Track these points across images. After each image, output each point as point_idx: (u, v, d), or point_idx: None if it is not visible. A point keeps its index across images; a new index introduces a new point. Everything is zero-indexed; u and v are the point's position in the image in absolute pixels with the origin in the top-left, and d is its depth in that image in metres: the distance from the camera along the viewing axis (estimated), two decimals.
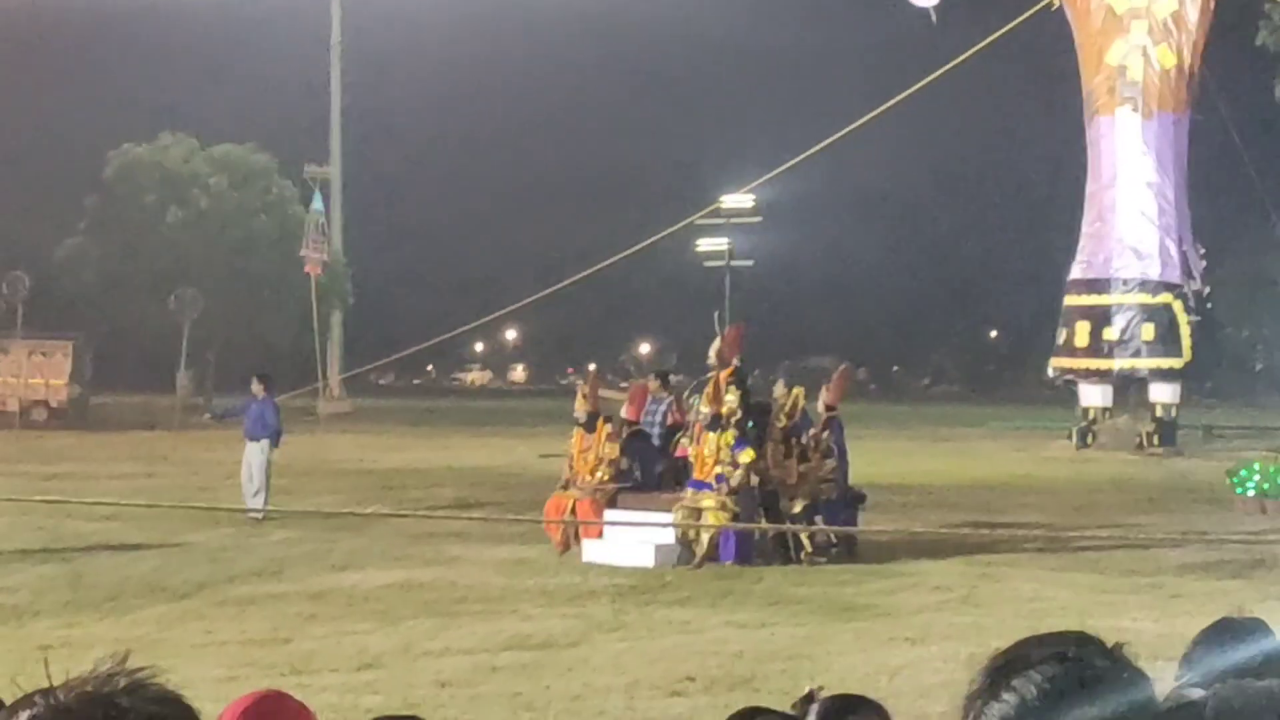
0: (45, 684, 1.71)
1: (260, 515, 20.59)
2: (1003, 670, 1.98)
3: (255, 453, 21.45)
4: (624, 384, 19.55)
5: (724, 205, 48.25)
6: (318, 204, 50.31)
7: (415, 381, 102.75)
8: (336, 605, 13.97)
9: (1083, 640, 2.04)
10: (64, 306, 53.94)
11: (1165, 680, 4.69)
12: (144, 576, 15.66)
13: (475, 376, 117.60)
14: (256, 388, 22.24)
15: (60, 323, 52.84)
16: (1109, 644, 2.00)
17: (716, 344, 17.44)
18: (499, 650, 11.65)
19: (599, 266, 43.67)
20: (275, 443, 21.74)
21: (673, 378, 21.45)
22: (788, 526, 16.70)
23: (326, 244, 51.36)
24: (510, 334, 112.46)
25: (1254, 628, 4.32)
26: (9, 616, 13.33)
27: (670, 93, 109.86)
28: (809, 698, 3.02)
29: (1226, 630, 4.32)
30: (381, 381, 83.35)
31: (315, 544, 18.18)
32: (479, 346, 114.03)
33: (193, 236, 55.82)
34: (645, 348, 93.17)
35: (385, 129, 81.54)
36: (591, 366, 20.28)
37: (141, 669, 1.74)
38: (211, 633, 12.21)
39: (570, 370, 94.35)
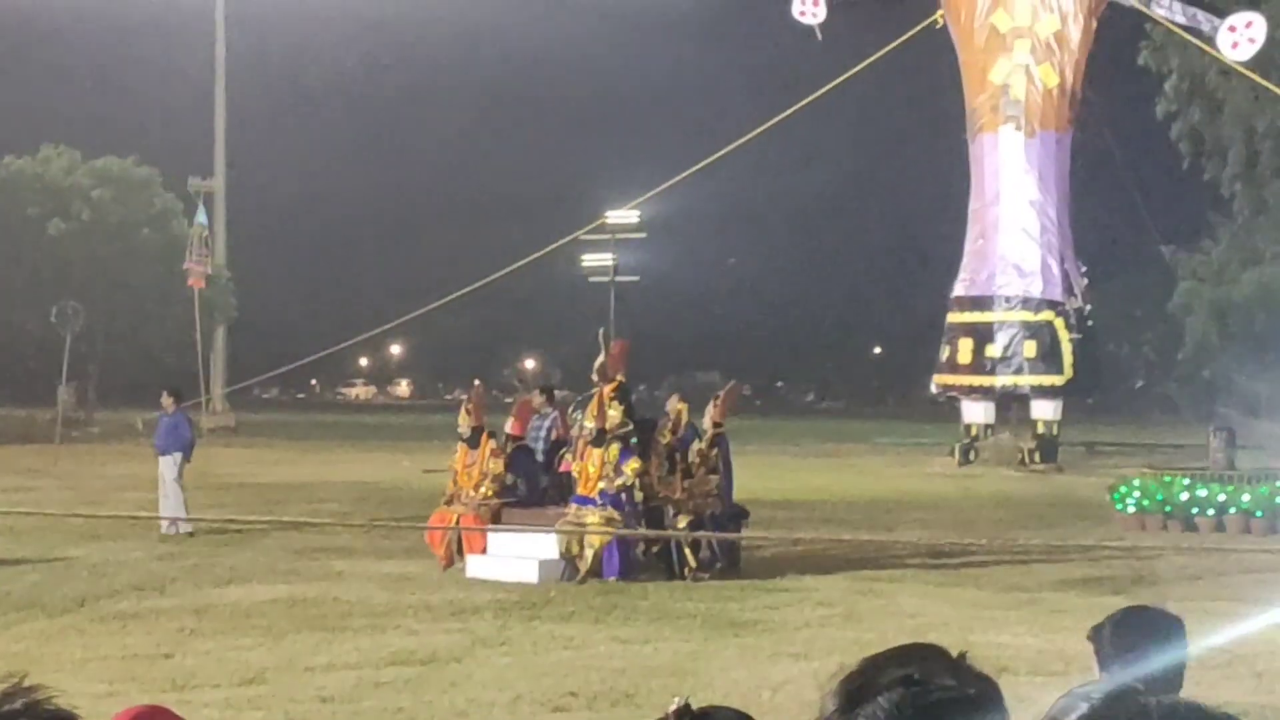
0: None
1: (190, 529, 20.05)
2: (851, 696, 1.96)
3: (168, 466, 20.94)
4: (509, 399, 19.38)
5: (609, 221, 48.20)
6: (201, 217, 49.53)
7: (299, 396, 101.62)
8: (220, 620, 13.76)
9: (927, 655, 2.00)
10: None
11: (1046, 696, 4.82)
12: (24, 592, 15.36)
13: (359, 391, 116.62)
14: (166, 401, 21.68)
15: None
16: (954, 655, 1.96)
17: (601, 359, 17.34)
18: (382, 665, 11.53)
19: (484, 281, 43.34)
20: (188, 456, 21.17)
21: (557, 393, 21.36)
22: (670, 533, 16.56)
23: (210, 257, 50.65)
24: (395, 349, 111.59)
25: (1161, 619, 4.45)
26: None
27: (558, 111, 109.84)
28: (681, 712, 2.92)
29: (1136, 619, 4.48)
30: (265, 396, 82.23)
31: (199, 558, 17.90)
32: (363, 361, 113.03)
33: (75, 248, 54.63)
34: (530, 363, 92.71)
35: (270, 143, 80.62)
36: (476, 382, 19.95)
37: (37, 688, 1.72)
38: (92, 648, 11.95)
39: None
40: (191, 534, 20.03)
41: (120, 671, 10.98)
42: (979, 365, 33.05)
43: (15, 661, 10.69)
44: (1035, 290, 30.20)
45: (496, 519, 17.25)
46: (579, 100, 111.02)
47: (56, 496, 26.41)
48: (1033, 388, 32.57)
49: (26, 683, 1.74)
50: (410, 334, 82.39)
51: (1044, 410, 33.51)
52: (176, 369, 50.43)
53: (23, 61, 74.33)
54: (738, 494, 18.28)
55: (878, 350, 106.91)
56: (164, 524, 20.26)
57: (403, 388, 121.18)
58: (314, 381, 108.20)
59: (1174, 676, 4.29)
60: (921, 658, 2.00)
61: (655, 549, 16.87)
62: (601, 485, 16.59)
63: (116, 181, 56.89)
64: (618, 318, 48.43)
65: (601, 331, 18.96)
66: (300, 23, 66.10)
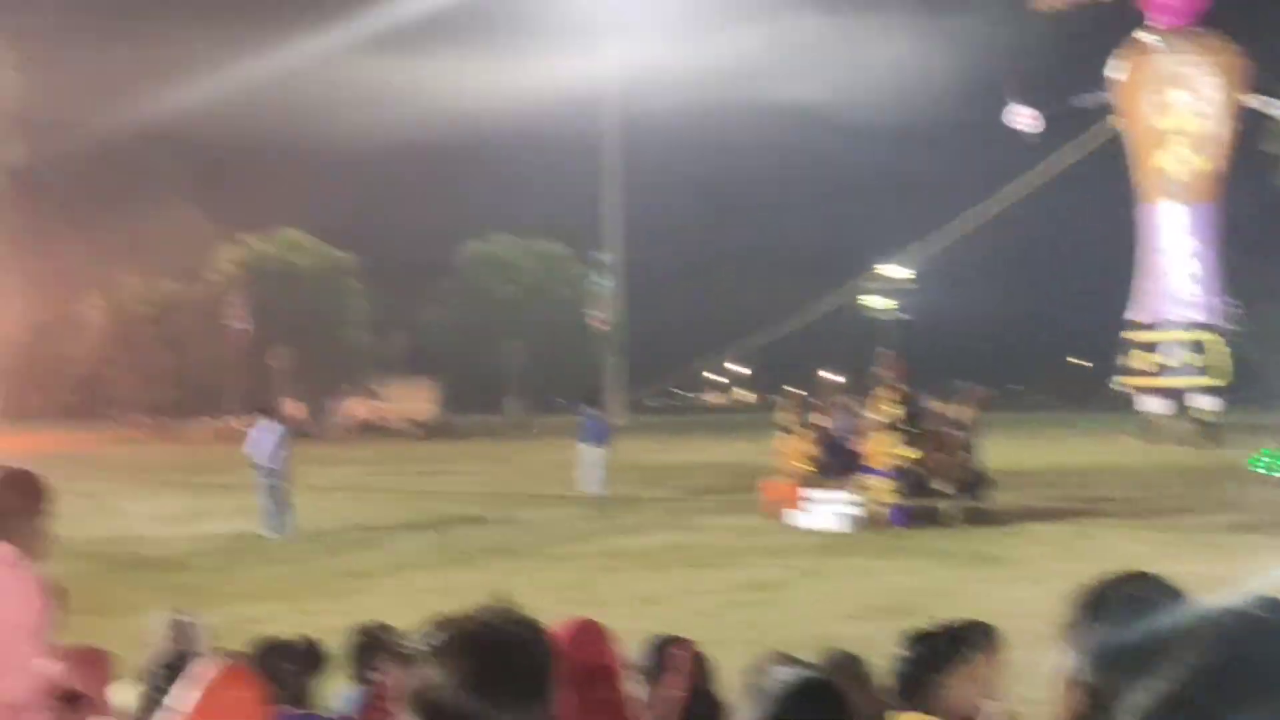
0: (440, 618, 1.81)
1: (605, 494, 20.26)
2: (1088, 604, 2.01)
3: (591, 453, 21.11)
4: (817, 400, 19.98)
5: (883, 273, 49.06)
6: (601, 278, 52.41)
7: (670, 401, 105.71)
8: (625, 560, 14.39)
9: (1139, 577, 2.09)
10: (432, 355, 57.34)
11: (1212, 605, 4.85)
12: (491, 541, 16.24)
13: (714, 398, 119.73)
14: (590, 409, 21.82)
15: (429, 366, 56.11)
16: (1161, 578, 2.05)
17: (883, 370, 17.76)
18: (735, 590, 12.01)
19: (806, 319, 44.27)
20: (606, 444, 21.12)
21: (849, 395, 21.73)
22: (937, 500, 16.90)
23: (607, 306, 53.41)
24: (737, 366, 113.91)
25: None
26: (397, 570, 13.81)
27: (853, 189, 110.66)
28: (933, 626, 3.32)
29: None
30: (647, 402, 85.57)
31: (609, 518, 18.57)
32: (716, 375, 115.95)
33: (516, 305, 58.72)
34: (830, 374, 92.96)
35: (646, 221, 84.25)
36: (798, 390, 20.63)
37: (512, 603, 1.83)
38: (539, 580, 12.53)
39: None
40: (606, 498, 20.34)
41: (559, 596, 11.56)
42: (1154, 370, 32.57)
43: (493, 588, 11.38)
44: (1196, 316, 29.75)
45: (812, 485, 17.58)
46: (865, 181, 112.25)
47: (509, 475, 27.73)
48: (1197, 388, 31.95)
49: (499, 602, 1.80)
50: (748, 353, 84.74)
51: (1207, 403, 32.76)
52: (588, 384, 53.35)
53: (472, 172, 79.49)
54: (984, 466, 18.15)
55: (1079, 360, 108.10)
56: (591, 488, 20.44)
57: (745, 394, 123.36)
58: (678, 390, 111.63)
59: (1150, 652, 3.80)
60: (1139, 577, 2.10)
61: (924, 507, 17.06)
62: (886, 461, 16.92)
63: (543, 256, 60.69)
64: (893, 343, 48.93)
65: (883, 352, 19.39)
66: (663, 134, 68.63)
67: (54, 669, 3.90)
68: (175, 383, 52.82)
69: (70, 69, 48.35)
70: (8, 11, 46.85)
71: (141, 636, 5.06)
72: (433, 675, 1.72)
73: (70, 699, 4.08)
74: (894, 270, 47.43)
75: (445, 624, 1.77)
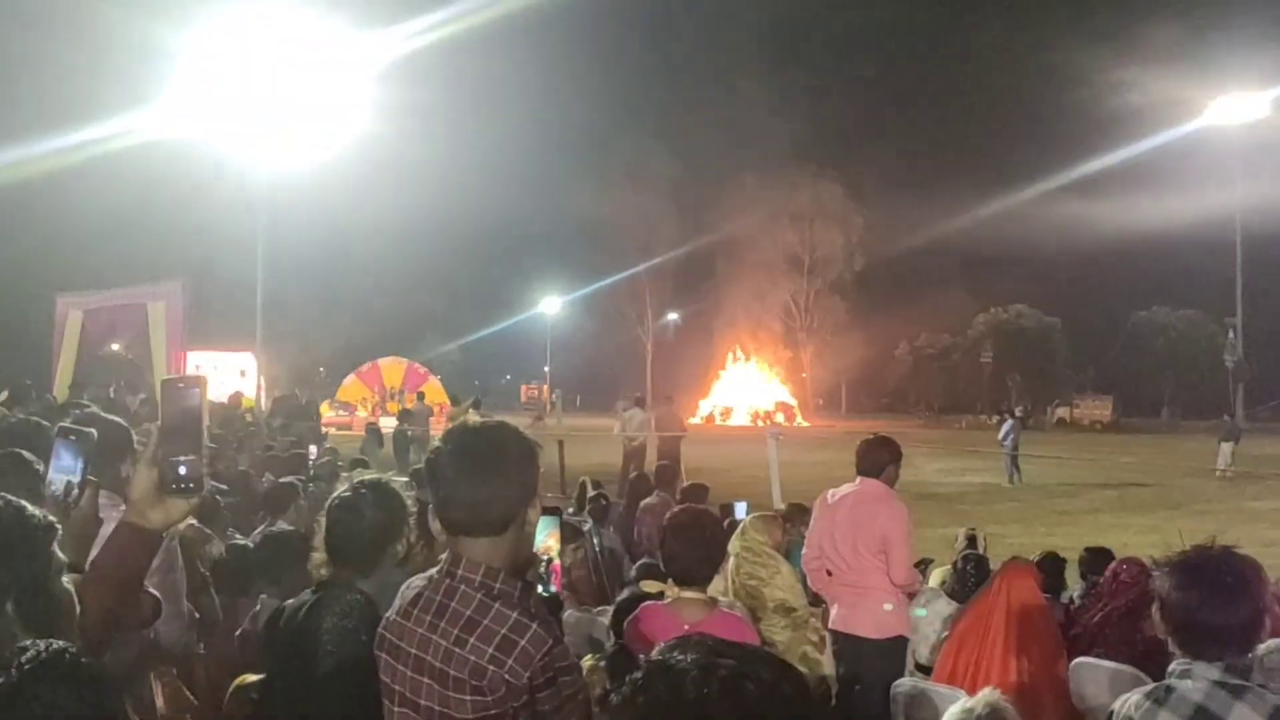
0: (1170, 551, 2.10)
1: (1234, 473, 19.93)
2: None
3: (1226, 445, 21.59)
4: None
5: None
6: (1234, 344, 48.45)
7: None
8: (1251, 516, 14.03)
9: None
10: (1109, 380, 63.55)
11: None
12: (1154, 498, 16.54)
13: None
14: (1228, 417, 22.11)
15: (1107, 387, 62.07)
16: None
17: None
18: None
19: None
20: (1236, 441, 21.39)
21: None
22: None
23: (1236, 344, 49.44)
24: None
25: None
26: (1092, 512, 14.62)
27: None
28: None
29: None
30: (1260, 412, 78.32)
31: (1236, 489, 18.54)
32: None
33: (1172, 353, 63.08)
34: None
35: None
36: None
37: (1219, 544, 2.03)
38: (1185, 526, 8.52)
39: None
40: (1237, 476, 19.75)
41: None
42: None
43: (1159, 530, 11.36)
44: None
45: None
46: None
47: (1167, 458, 26.32)
48: None
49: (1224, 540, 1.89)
50: None
51: None
52: (1224, 398, 49.70)
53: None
54: None
55: None
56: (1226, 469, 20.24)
57: None
58: None
59: None
60: None
61: None
62: None
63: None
64: None
65: None
66: None
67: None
68: (947, 393, 68.18)
69: (889, 214, 68.93)
70: (853, 162, 70.45)
71: (930, 539, 7.54)
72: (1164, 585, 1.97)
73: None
74: None
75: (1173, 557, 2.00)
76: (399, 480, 2.96)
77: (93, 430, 2.08)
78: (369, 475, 2.79)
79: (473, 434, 2.04)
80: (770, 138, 68.58)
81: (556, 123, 77.80)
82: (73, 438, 2.04)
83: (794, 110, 69.70)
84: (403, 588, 2.19)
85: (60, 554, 1.61)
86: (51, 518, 1.60)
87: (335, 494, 2.74)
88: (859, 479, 5.38)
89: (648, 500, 9.00)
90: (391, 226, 57.65)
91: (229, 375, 29.60)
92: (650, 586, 3.53)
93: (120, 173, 34.03)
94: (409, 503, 2.77)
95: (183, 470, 1.82)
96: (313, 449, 12.71)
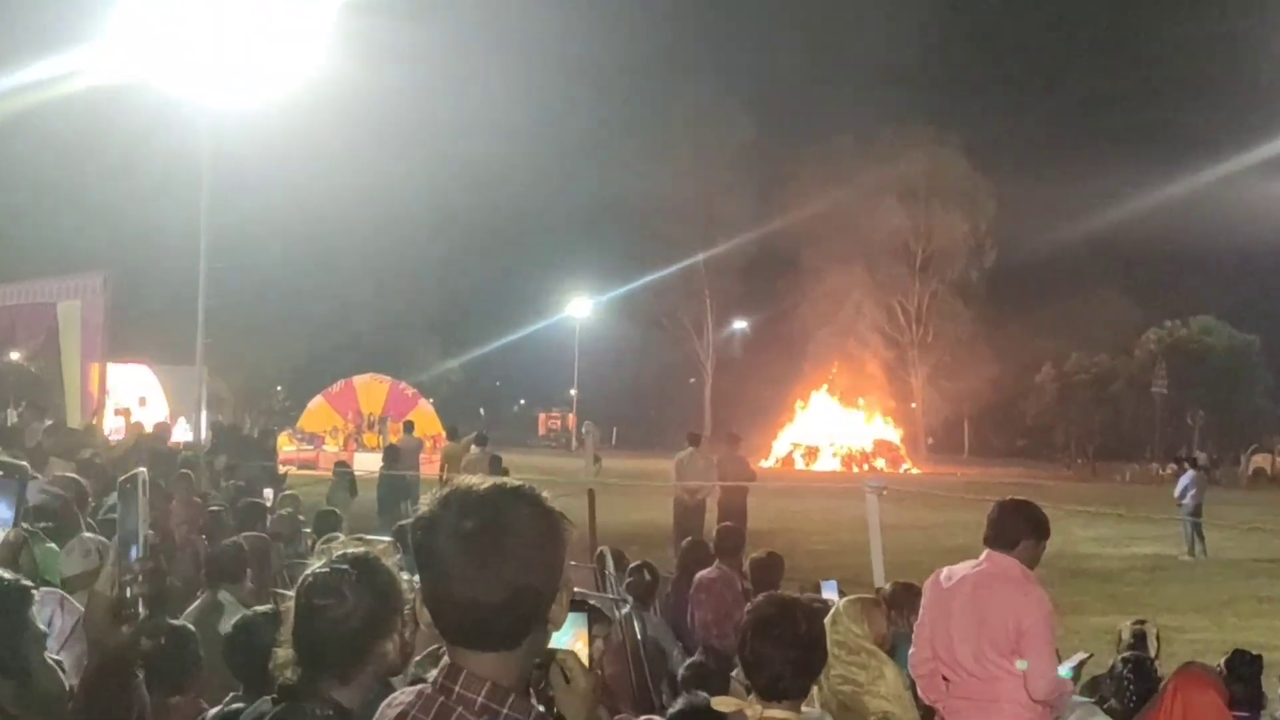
0: None
1: None
2: None
3: None
4: None
5: None
6: None
7: None
8: None
9: None
10: None
11: None
12: None
13: None
14: None
15: None
16: None
17: None
18: None
19: None
20: None
21: None
22: None
23: None
24: None
25: None
26: None
27: None
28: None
29: None
30: None
31: None
32: None
33: None
34: None
35: None
36: None
37: None
38: None
39: None
40: None
41: None
42: None
43: None
44: None
45: None
46: None
47: None
48: None
49: None
50: None
51: None
52: None
53: None
54: None
55: None
56: None
57: None
58: None
59: None
60: None
61: None
62: None
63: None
64: None
65: None
66: None
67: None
68: (1106, 433, 67.64)
69: (1029, 196, 67.79)
70: (984, 124, 69.83)
71: (1081, 631, 7.70)
72: None
73: None
74: None
75: None
76: (386, 540, 2.99)
77: (25, 464, 2.14)
78: (352, 547, 2.84)
79: (477, 504, 2.01)
80: (874, 90, 68.79)
81: (589, 67, 77.66)
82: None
83: (906, 54, 69.88)
84: (383, 705, 2.21)
85: (38, 623, 1.72)
86: (26, 581, 1.70)
87: (308, 571, 2.79)
88: (986, 553, 5.42)
89: (705, 573, 9.04)
90: (372, 204, 58.25)
91: (149, 395, 30.07)
92: (724, 705, 3.53)
93: (22, 135, 34.62)
94: (405, 586, 2.81)
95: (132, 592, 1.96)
96: (268, 494, 12.87)
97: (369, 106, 45.58)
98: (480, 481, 2.08)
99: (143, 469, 2.01)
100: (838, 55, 70.59)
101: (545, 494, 2.09)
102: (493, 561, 1.99)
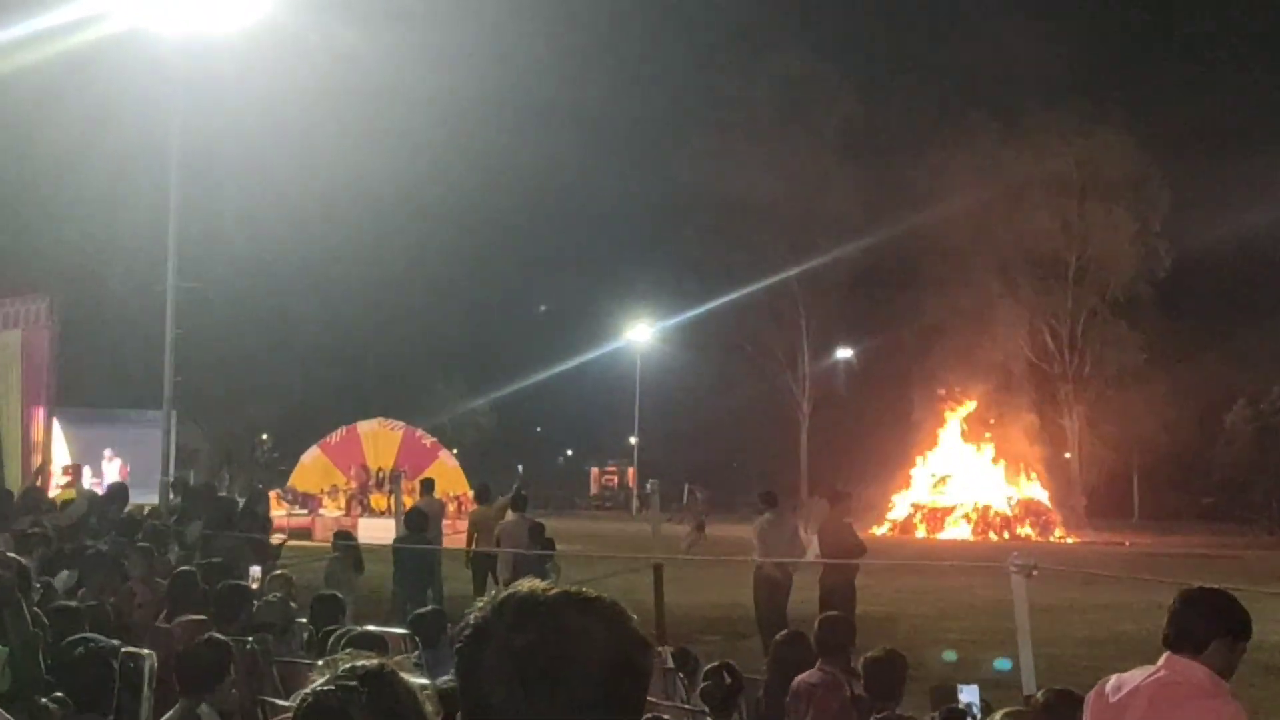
0: None
1: None
2: None
3: None
4: None
5: None
6: None
7: None
8: None
9: None
10: None
11: None
12: None
13: None
14: None
15: None
16: None
17: None
18: None
19: None
20: None
21: None
22: None
23: None
24: None
25: None
26: None
27: None
28: None
29: None
30: None
31: None
32: None
33: None
34: None
35: None
36: None
37: None
38: None
39: None
40: None
41: None
42: None
43: None
44: None
45: None
46: None
47: None
48: None
49: None
50: None
51: None
52: None
53: None
54: None
55: None
56: None
57: None
58: None
59: None
60: None
61: None
62: None
63: None
64: None
65: None
66: None
67: None
68: None
69: (1215, 188, 68.50)
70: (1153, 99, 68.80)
71: None
72: None
73: None
74: None
75: None
76: (400, 632, 2.97)
77: None
78: (362, 658, 2.86)
79: (537, 615, 2.04)
80: (1013, 59, 68.43)
81: (650, 29, 77.71)
82: None
83: (1053, 15, 69.47)
84: None
85: None
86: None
87: (307, 691, 2.81)
88: (1166, 657, 5.41)
89: (805, 677, 9.00)
90: (378, 203, 58.50)
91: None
92: None
93: None
94: (431, 709, 2.83)
95: None
96: (254, 573, 12.97)
97: (370, 75, 45.79)
98: (546, 588, 2.09)
99: (149, 653, 2.02)
100: (968, 14, 69.79)
101: (629, 613, 2.10)
102: (544, 689, 1.99)
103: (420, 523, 18.74)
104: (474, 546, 20.61)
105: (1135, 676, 5.49)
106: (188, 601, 10.24)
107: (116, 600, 10.99)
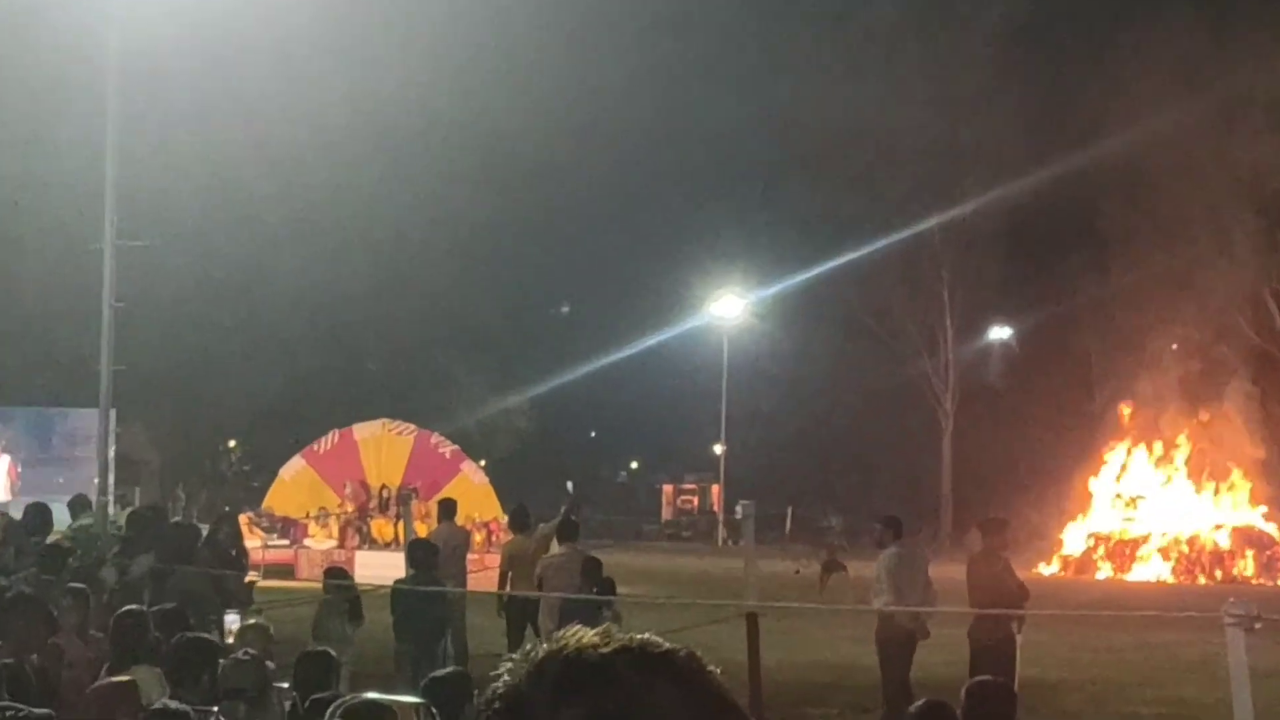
0: None
1: None
2: None
3: None
4: None
5: None
6: None
7: None
8: None
9: None
10: None
11: None
12: None
13: None
14: None
15: None
16: None
17: None
18: None
19: None
20: None
21: None
22: None
23: None
24: None
25: None
26: None
27: None
28: None
29: None
30: None
31: None
32: None
33: None
34: None
35: None
36: None
37: None
38: None
39: None
40: None
41: None
42: None
43: None
44: None
45: None
46: None
47: None
48: None
49: None
50: None
51: None
52: None
53: None
54: None
55: None
56: None
57: None
58: None
59: None
60: None
61: None
62: None
63: None
64: None
65: None
66: None
67: None
68: None
69: None
70: None
71: None
72: None
73: None
74: None
75: None
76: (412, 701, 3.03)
77: None
78: (368, 697, 2.89)
79: (589, 677, 1.97)
80: None
81: None
82: None
83: None
84: None
85: None
86: None
87: None
88: None
89: None
90: (388, 130, 58.57)
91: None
92: None
93: None
94: None
95: None
96: (230, 621, 13.05)
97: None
98: (601, 642, 2.05)
99: None
100: None
101: (713, 671, 2.06)
102: None
103: (426, 558, 18.79)
104: (509, 588, 20.69)
105: None
106: (134, 653, 10.31)
107: (40, 658, 11.07)
